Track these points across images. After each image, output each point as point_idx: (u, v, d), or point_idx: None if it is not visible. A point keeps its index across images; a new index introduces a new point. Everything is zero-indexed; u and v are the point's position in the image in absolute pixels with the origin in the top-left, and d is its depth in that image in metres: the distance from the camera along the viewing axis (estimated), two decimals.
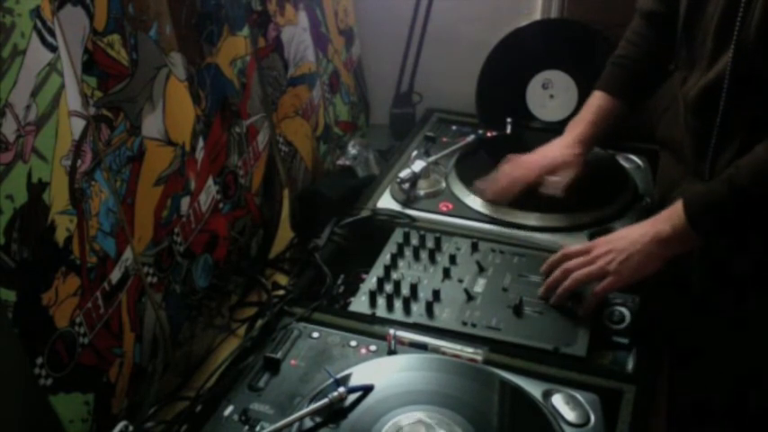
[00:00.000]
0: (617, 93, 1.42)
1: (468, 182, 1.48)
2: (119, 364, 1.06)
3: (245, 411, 1.01)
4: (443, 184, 1.51)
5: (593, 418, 0.99)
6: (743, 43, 1.09)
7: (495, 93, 1.74)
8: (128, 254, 1.07)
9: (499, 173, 1.44)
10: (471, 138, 1.64)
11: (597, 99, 1.44)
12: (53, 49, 0.91)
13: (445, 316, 1.18)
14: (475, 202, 1.45)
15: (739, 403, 1.32)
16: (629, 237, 1.18)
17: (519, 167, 1.43)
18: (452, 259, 1.30)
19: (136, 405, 1.12)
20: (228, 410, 1.01)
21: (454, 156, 1.58)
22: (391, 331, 1.11)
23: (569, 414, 0.99)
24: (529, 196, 1.41)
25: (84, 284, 0.98)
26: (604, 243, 1.20)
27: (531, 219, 1.39)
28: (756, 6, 1.07)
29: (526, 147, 1.59)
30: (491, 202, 1.43)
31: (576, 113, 1.50)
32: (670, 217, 1.14)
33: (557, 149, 1.43)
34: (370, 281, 1.26)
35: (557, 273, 1.20)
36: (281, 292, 1.31)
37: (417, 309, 1.20)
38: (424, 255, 1.31)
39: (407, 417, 0.97)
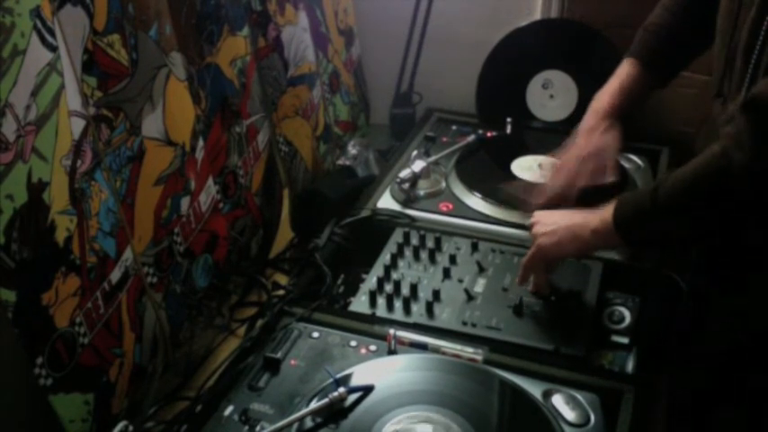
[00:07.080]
0: (647, 60, 1.36)
1: (468, 182, 1.48)
2: (119, 364, 1.06)
3: (245, 411, 1.01)
4: (443, 184, 1.51)
5: (593, 418, 0.99)
6: (759, 73, 1.05)
7: (495, 93, 1.74)
8: (128, 254, 1.07)
9: (550, 190, 1.36)
10: (471, 138, 1.64)
11: (625, 67, 1.37)
12: (53, 48, 0.91)
13: (445, 316, 1.18)
14: (475, 203, 1.44)
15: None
16: (563, 214, 1.19)
17: (565, 177, 1.35)
18: (452, 259, 1.30)
19: (136, 405, 1.12)
20: (228, 410, 1.01)
21: (454, 156, 1.58)
22: (391, 331, 1.11)
23: (569, 414, 0.99)
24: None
25: (85, 284, 0.98)
26: (537, 215, 1.22)
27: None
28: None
29: (526, 147, 1.60)
30: None
31: (576, 113, 1.49)
32: (602, 212, 1.12)
33: (584, 138, 1.36)
34: (370, 281, 1.26)
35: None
36: (281, 292, 1.31)
37: (417, 309, 1.20)
38: (424, 255, 1.31)
39: (407, 417, 0.97)
